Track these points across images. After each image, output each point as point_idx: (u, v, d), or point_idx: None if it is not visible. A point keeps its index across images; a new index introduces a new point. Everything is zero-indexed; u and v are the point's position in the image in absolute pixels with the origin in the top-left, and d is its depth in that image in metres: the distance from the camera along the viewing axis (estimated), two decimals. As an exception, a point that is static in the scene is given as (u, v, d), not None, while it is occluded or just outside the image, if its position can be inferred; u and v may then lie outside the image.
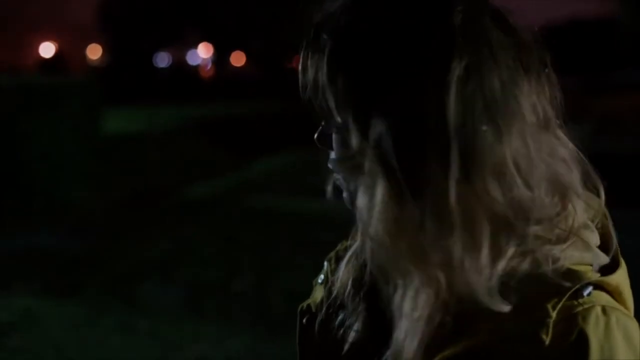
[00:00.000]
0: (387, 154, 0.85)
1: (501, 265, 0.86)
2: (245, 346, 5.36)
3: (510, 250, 0.87)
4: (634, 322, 0.89)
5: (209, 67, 48.48)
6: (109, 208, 10.48)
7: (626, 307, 0.91)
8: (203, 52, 51.28)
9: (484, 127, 0.83)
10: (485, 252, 0.85)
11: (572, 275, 0.88)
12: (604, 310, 0.86)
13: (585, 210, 0.96)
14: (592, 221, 0.97)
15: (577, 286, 0.87)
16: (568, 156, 0.94)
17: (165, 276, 7.17)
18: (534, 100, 0.89)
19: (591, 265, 0.91)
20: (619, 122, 21.05)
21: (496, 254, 0.86)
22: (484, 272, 0.85)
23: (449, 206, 0.83)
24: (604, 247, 0.96)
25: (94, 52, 53.91)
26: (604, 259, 0.93)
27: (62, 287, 6.77)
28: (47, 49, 55.20)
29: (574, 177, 0.93)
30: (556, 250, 0.89)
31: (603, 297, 0.88)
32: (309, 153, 14.09)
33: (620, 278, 0.92)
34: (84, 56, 53.90)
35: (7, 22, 52.85)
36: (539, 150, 0.88)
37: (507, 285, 0.86)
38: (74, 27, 54.94)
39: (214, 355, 5.18)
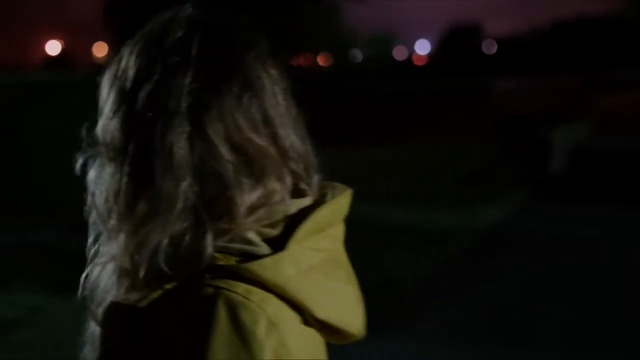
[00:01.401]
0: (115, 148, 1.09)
1: (167, 237, 1.02)
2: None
3: (182, 227, 1.02)
4: (249, 310, 0.96)
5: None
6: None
7: (275, 288, 1.00)
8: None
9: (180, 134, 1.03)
10: (163, 225, 1.02)
11: (216, 259, 1.01)
12: (220, 293, 0.97)
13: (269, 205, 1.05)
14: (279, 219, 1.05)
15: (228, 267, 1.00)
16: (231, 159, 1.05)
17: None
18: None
19: (243, 253, 1.02)
20: (621, 119, 21.05)
21: (167, 228, 1.02)
22: (162, 238, 1.02)
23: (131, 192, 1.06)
24: (284, 236, 1.04)
25: (101, 50, 53.96)
26: (262, 250, 1.02)
27: (67, 284, 6.75)
28: (53, 47, 55.34)
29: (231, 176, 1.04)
30: (217, 235, 1.02)
31: (230, 283, 0.98)
32: (321, 151, 14.09)
33: (261, 268, 0.99)
34: (91, 54, 53.98)
35: (13, 20, 52.94)
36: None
37: (174, 255, 1.02)
38: (80, 25, 55.06)
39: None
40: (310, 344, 1.05)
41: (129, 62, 1.11)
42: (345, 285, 1.16)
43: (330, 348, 3.80)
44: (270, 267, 1.00)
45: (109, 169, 1.11)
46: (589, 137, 17.41)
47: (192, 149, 1.02)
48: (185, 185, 1.02)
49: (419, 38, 64.03)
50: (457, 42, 47.93)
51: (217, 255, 1.01)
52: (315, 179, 1.14)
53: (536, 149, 12.93)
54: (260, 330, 0.96)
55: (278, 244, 1.02)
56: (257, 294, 0.98)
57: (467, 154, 14.49)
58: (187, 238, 1.02)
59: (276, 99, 1.09)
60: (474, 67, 37.34)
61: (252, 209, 1.03)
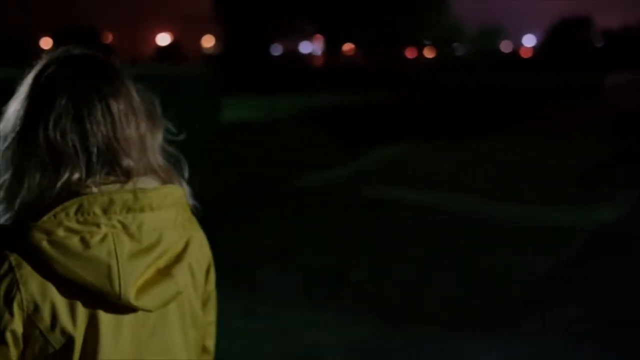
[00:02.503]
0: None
1: None
2: (363, 337, 5.41)
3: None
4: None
5: (319, 54, 48.81)
6: (223, 194, 10.72)
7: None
8: (314, 44, 51.60)
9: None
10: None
11: None
12: None
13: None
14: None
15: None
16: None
17: (281, 262, 7.30)
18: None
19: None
20: None
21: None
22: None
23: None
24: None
25: (209, 42, 55.01)
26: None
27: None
28: (163, 39, 56.75)
29: None
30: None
31: None
32: (421, 144, 14.10)
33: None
34: (199, 45, 55.06)
35: (125, 14, 54.55)
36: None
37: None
38: (189, 18, 56.25)
39: (332, 344, 5.25)
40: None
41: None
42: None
43: (440, 342, 3.83)
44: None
45: None
46: None
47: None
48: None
49: (525, 31, 62.65)
50: (566, 34, 46.71)
51: None
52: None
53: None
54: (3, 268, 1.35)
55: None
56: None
57: (580, 151, 14.18)
58: None
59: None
60: (584, 60, 36.31)
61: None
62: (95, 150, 1.41)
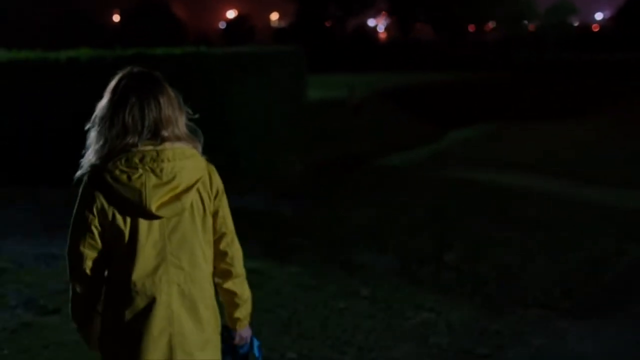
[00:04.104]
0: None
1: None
2: (465, 318, 5.46)
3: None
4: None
5: (385, 31, 48.57)
6: (309, 172, 10.84)
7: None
8: (383, 20, 51.38)
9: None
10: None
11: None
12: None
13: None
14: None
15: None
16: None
17: (376, 243, 7.38)
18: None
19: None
20: None
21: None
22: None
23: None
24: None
25: (275, 17, 55.20)
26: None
27: (281, 250, 7.12)
28: (231, 14, 57.13)
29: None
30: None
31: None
32: (502, 124, 13.86)
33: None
34: (267, 21, 55.28)
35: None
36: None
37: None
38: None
39: (436, 324, 5.32)
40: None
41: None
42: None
43: (544, 324, 3.80)
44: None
45: None
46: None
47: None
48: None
49: (595, 8, 61.31)
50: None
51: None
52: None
53: None
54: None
55: None
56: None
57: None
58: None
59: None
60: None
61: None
62: (147, 125, 2.45)
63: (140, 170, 2.42)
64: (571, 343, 5.04)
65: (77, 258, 2.52)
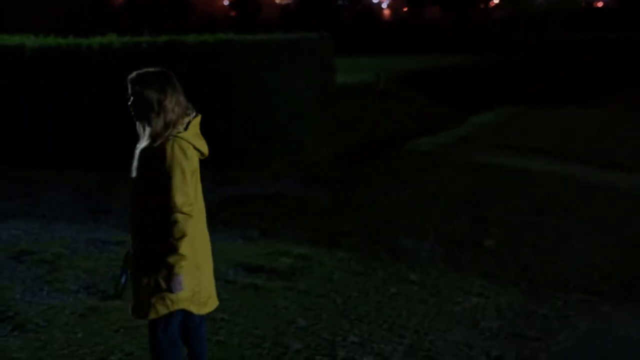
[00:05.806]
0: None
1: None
2: (511, 302, 5.67)
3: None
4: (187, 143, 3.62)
5: (390, 10, 48.45)
6: (340, 157, 11.02)
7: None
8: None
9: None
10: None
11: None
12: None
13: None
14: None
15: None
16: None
17: (415, 228, 7.57)
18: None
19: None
20: None
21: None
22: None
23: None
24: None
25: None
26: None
27: (326, 236, 7.33)
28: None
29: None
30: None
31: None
32: (522, 110, 13.95)
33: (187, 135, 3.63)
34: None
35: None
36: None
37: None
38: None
39: (485, 309, 5.53)
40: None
41: None
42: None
43: (587, 308, 4.01)
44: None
45: None
46: None
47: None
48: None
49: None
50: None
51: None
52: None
53: None
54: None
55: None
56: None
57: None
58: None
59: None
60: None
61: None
62: (182, 105, 3.57)
63: (189, 131, 3.71)
64: (616, 327, 5.25)
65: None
